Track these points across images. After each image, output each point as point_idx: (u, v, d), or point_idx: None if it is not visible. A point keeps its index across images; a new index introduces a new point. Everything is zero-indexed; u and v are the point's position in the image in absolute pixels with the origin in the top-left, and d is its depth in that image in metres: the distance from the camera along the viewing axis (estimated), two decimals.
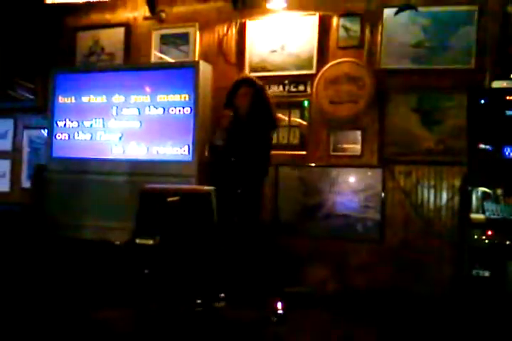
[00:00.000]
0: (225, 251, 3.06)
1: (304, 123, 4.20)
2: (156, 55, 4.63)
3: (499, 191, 3.22)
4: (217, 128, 3.65)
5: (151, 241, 2.75)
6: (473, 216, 3.16)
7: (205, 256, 2.86)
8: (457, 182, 3.75)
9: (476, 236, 3.03)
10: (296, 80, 4.20)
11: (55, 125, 4.61)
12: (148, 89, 4.28)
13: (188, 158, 4.10)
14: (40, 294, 3.59)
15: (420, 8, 3.82)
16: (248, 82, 3.65)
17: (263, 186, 3.63)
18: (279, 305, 3.14)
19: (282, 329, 3.04)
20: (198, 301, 3.00)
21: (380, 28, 3.98)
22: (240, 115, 3.55)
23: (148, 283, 3.03)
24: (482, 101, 3.23)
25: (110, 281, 3.62)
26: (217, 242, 2.90)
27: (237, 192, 3.36)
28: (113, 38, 4.87)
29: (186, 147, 4.12)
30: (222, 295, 3.16)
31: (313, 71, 4.14)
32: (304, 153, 4.16)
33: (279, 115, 3.99)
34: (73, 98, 4.55)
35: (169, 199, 2.80)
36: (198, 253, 2.85)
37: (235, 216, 3.33)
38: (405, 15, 3.88)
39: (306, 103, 4.18)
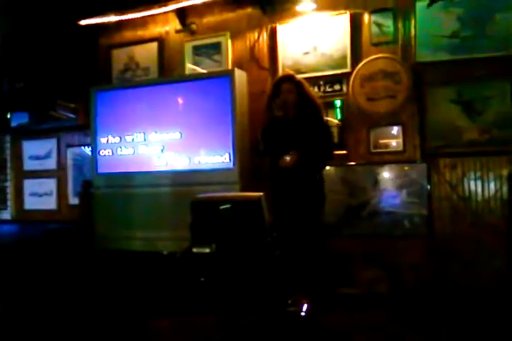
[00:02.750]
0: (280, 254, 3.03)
1: (336, 121, 4.14)
2: (189, 67, 4.70)
3: None
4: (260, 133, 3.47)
5: (207, 250, 2.79)
6: None
7: (260, 261, 2.87)
8: (505, 173, 3.66)
9: None
10: (331, 80, 4.20)
11: (98, 142, 4.74)
12: (180, 101, 4.37)
13: (230, 165, 4.15)
14: (97, 305, 3.68)
15: None
16: (288, 78, 3.39)
17: (323, 184, 3.37)
18: (305, 307, 3.04)
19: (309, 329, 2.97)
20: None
21: (412, 21, 3.93)
22: (288, 112, 3.32)
23: (206, 290, 3.07)
24: None
25: (164, 291, 3.68)
26: (270, 246, 2.90)
27: (296, 191, 3.20)
28: (147, 53, 4.97)
29: (227, 155, 4.17)
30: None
31: (347, 69, 4.13)
32: (344, 152, 4.13)
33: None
34: (113, 114, 4.66)
35: (222, 206, 2.83)
36: (252, 258, 2.87)
37: (294, 217, 3.19)
38: (438, 5, 3.83)
39: (338, 103, 4.17)
